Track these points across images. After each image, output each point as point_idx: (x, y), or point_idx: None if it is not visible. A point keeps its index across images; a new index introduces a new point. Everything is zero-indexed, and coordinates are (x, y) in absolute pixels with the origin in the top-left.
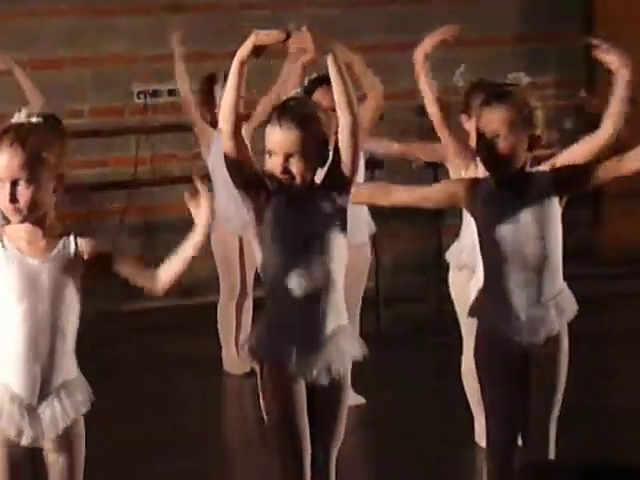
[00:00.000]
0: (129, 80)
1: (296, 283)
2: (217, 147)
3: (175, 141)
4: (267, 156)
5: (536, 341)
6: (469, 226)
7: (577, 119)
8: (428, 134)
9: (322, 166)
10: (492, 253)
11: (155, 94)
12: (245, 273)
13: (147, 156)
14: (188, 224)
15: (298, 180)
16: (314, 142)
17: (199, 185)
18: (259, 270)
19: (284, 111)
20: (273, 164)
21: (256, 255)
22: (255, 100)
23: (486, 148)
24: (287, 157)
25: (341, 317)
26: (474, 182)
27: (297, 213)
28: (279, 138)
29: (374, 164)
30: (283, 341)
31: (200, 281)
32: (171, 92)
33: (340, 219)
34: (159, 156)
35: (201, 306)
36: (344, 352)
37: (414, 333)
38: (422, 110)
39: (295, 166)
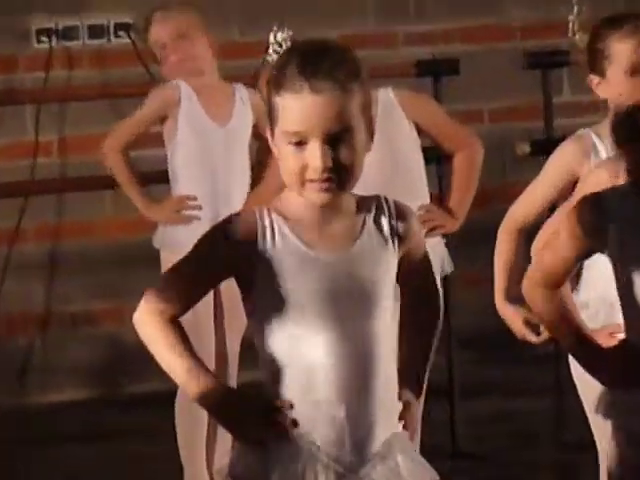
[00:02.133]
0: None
1: (321, 363)
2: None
3: (105, 114)
4: (285, 151)
5: None
6: (595, 267)
7: None
8: None
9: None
10: None
11: (69, 34)
12: (224, 344)
13: (53, 140)
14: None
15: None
16: (365, 118)
17: None
18: (255, 340)
19: (312, 62)
20: (299, 165)
21: (246, 315)
22: None
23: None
24: (330, 144)
25: (394, 417)
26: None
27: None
28: (314, 108)
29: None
30: (294, 467)
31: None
32: (93, 30)
33: (392, 260)
34: (75, 140)
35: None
36: None
37: (511, 445)
38: None
39: (347, 156)
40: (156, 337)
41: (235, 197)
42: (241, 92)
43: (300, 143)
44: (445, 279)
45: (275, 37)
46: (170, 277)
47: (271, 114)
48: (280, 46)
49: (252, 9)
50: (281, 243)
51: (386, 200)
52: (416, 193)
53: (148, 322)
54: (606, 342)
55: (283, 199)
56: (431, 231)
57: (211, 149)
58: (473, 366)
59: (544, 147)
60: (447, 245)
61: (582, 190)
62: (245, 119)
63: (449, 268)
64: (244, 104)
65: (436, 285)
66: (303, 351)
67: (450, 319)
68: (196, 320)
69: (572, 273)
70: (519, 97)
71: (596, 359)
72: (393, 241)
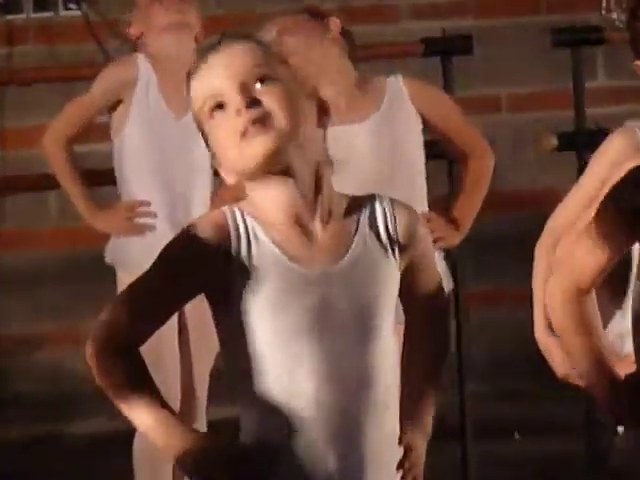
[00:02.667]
0: None
1: (308, 400)
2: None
3: (53, 100)
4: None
5: None
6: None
7: None
8: None
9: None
10: None
11: (11, 5)
12: (190, 374)
13: None
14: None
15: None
16: (287, 71)
17: None
18: (227, 370)
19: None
20: (227, 127)
21: (218, 339)
22: None
23: None
24: (250, 86)
25: (392, 465)
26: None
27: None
28: (225, 62)
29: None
30: None
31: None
32: (39, 2)
33: (393, 273)
34: (15, 132)
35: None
36: None
37: None
38: None
39: (271, 99)
40: (112, 374)
41: (195, 202)
42: None
43: (220, 107)
44: (456, 297)
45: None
46: (128, 298)
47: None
48: None
49: None
50: (258, 253)
51: (384, 199)
52: (414, 198)
53: (102, 356)
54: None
55: (251, 200)
56: (433, 244)
57: (166, 144)
58: (489, 401)
59: (574, 140)
60: (447, 258)
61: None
62: None
63: (448, 286)
64: None
65: (447, 304)
66: (286, 385)
67: (462, 344)
68: (158, 347)
69: (602, 276)
70: (544, 81)
71: (610, 390)
72: (393, 249)
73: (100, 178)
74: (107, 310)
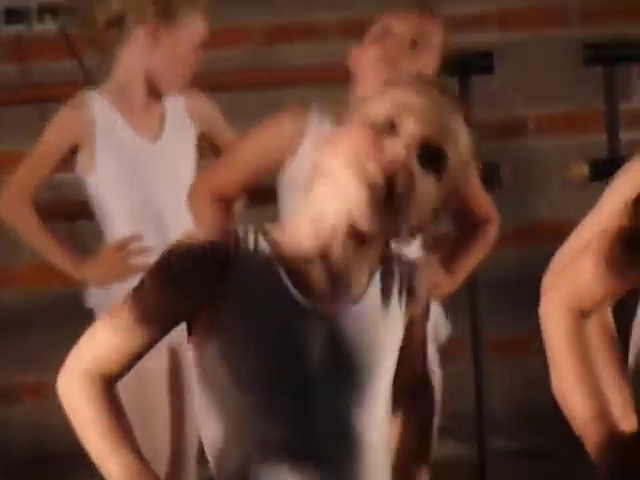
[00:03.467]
0: None
1: (295, 460)
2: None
3: (27, 122)
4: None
5: None
6: None
7: None
8: None
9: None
10: None
11: None
12: (182, 429)
13: None
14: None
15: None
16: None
17: None
18: (201, 414)
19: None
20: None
21: (197, 372)
22: None
23: None
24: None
25: None
26: None
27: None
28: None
29: None
30: None
31: None
32: (11, 15)
33: (395, 320)
34: None
35: None
36: None
37: None
38: None
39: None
40: (87, 414)
41: (187, 226)
42: (174, 100)
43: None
44: (475, 344)
45: None
46: (116, 319)
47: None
48: None
49: None
50: (266, 280)
51: (398, 254)
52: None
53: (77, 390)
54: None
55: (289, 231)
56: None
57: (146, 172)
58: (510, 459)
59: (607, 168)
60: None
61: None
62: (182, 132)
63: (445, 333)
64: (179, 115)
65: (428, 371)
66: (272, 437)
67: (482, 397)
68: (145, 398)
69: (607, 303)
70: (574, 102)
71: (601, 436)
72: (401, 301)
73: (77, 211)
74: (89, 333)
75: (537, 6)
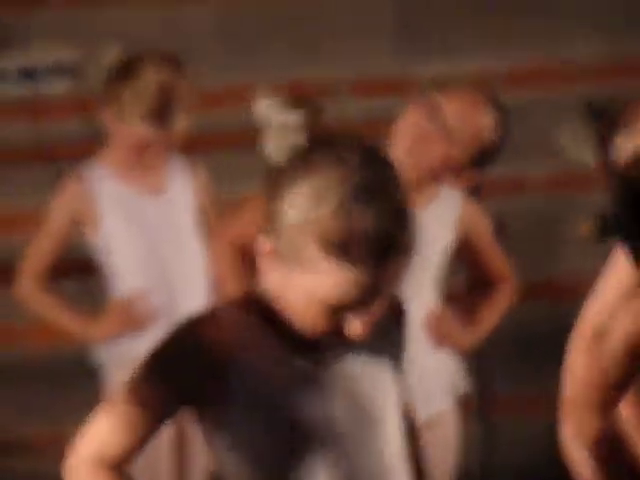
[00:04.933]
0: None
1: None
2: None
3: (38, 181)
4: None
5: None
6: None
7: None
8: None
9: None
10: None
11: None
12: None
13: None
14: None
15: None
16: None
17: None
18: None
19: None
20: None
21: (213, 454)
22: None
23: None
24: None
25: None
26: None
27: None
28: (347, 287)
29: None
30: None
31: None
32: (23, 73)
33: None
34: None
35: None
36: None
37: None
38: None
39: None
40: None
41: (190, 284)
42: (179, 161)
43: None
44: (482, 402)
45: (262, 108)
46: (119, 406)
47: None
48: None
49: (226, 43)
50: (268, 350)
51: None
52: (427, 294)
53: (87, 475)
54: None
55: (279, 302)
56: (441, 343)
57: (149, 229)
58: None
59: (614, 226)
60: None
61: None
62: (185, 187)
63: (463, 388)
64: (182, 175)
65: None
66: None
67: (494, 458)
68: (154, 468)
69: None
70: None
71: None
72: (390, 350)
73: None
74: (94, 421)
75: (540, 63)
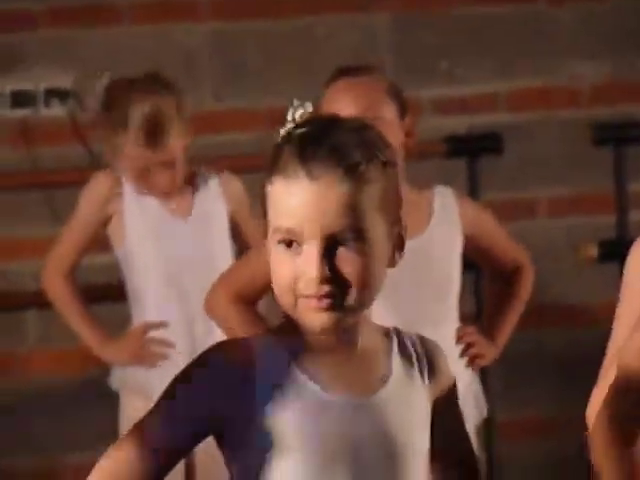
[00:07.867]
0: None
1: None
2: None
3: (33, 208)
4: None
5: None
6: None
7: None
8: None
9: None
10: None
11: None
12: None
13: None
14: None
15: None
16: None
17: None
18: None
19: (313, 141)
20: (292, 278)
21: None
22: None
23: None
24: (332, 249)
25: None
26: None
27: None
28: (311, 199)
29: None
30: None
31: None
32: (18, 98)
33: (426, 405)
34: None
35: None
36: None
37: None
38: None
39: (350, 273)
40: None
41: None
42: (206, 177)
43: (293, 244)
44: (487, 427)
45: (294, 115)
46: (134, 440)
47: (263, 207)
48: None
49: (233, 68)
50: (287, 383)
51: (406, 332)
52: (445, 318)
53: None
54: None
55: (283, 329)
56: (470, 363)
57: (176, 250)
58: None
59: (616, 249)
60: (484, 381)
61: None
62: (214, 209)
63: (484, 413)
64: (211, 191)
65: (475, 456)
66: None
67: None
68: None
69: None
70: (584, 183)
71: None
72: (423, 380)
73: (98, 293)
74: (110, 452)
75: (544, 86)
